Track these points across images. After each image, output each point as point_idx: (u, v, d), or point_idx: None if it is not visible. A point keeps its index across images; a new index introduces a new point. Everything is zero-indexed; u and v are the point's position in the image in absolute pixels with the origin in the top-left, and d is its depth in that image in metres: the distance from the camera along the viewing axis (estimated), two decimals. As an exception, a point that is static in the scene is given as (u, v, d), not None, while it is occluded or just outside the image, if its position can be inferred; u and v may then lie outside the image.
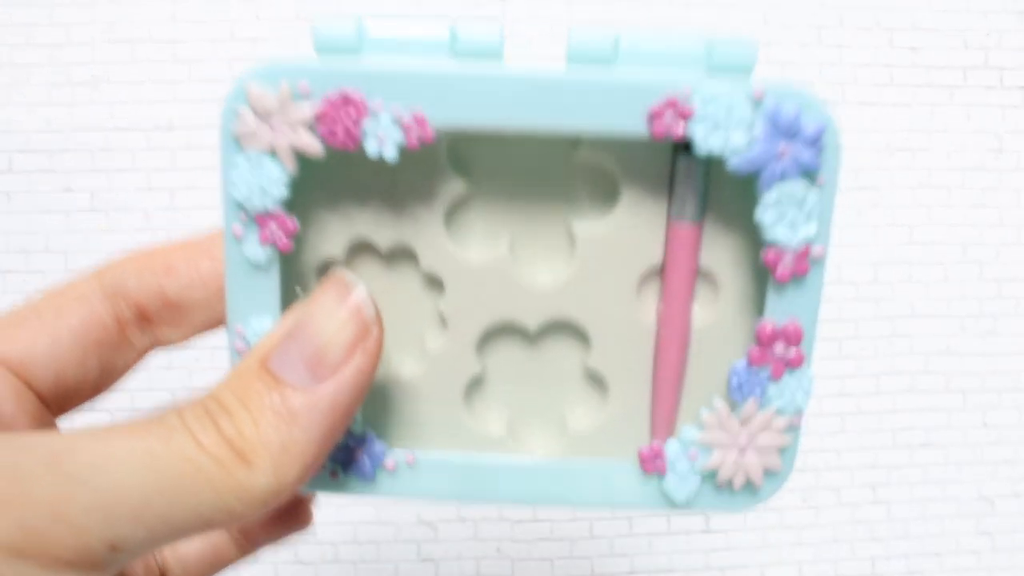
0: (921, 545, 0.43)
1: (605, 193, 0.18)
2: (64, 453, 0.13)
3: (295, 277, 0.18)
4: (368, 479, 0.17)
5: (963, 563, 0.43)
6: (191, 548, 0.20)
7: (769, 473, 0.18)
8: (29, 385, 0.17)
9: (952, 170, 0.43)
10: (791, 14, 0.42)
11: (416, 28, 0.16)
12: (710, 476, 0.18)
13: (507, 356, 0.18)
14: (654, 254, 0.17)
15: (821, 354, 0.42)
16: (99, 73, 0.41)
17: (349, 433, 0.17)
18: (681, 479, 0.17)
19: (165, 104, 0.41)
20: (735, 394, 0.17)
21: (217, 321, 0.19)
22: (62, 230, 0.41)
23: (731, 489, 0.18)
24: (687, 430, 0.17)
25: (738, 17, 0.42)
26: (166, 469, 0.14)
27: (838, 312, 0.43)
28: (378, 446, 0.17)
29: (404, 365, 0.18)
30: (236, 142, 0.16)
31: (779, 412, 0.17)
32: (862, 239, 0.43)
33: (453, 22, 0.16)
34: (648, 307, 0.18)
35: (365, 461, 0.17)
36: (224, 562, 0.21)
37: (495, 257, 0.17)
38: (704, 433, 0.17)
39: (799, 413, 0.17)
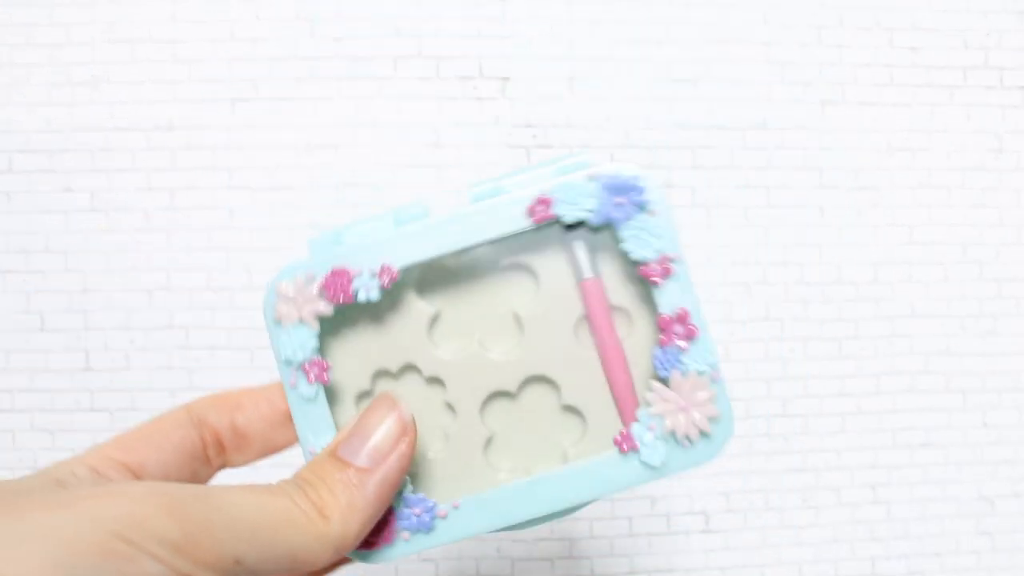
0: (921, 545, 0.43)
1: (530, 279, 0.24)
2: (209, 493, 0.19)
3: (340, 404, 0.24)
4: (428, 529, 0.23)
5: (963, 563, 0.43)
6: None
7: (713, 421, 0.22)
8: None
9: (952, 170, 0.43)
10: (791, 14, 0.42)
11: (369, 221, 0.24)
12: (671, 438, 0.22)
13: (503, 415, 0.24)
14: (577, 307, 0.24)
15: (821, 354, 0.42)
16: (99, 73, 0.41)
17: (405, 500, 0.23)
18: (651, 448, 0.22)
19: (165, 104, 0.41)
20: (661, 371, 0.22)
21: (272, 449, 0.25)
22: (62, 230, 0.41)
23: (691, 443, 0.22)
24: (641, 412, 0.23)
25: (738, 17, 0.42)
26: (272, 514, 0.20)
27: (838, 312, 0.43)
28: (429, 502, 0.23)
29: (433, 445, 0.25)
30: (277, 322, 0.23)
31: (699, 373, 0.22)
32: (862, 239, 0.43)
33: (394, 208, 0.24)
34: (587, 344, 0.24)
35: (424, 517, 0.23)
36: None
37: (472, 349, 0.24)
38: (653, 408, 0.22)
39: (715, 368, 0.22)
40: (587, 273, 0.24)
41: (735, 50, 0.42)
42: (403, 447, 0.22)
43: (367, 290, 0.23)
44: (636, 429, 0.22)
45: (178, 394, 0.41)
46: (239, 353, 0.41)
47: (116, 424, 0.41)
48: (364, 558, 0.23)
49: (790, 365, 0.43)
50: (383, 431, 0.22)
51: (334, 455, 0.22)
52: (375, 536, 0.22)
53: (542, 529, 0.41)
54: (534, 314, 0.24)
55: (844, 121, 0.43)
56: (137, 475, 0.22)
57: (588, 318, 0.24)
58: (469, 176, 0.42)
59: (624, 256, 0.23)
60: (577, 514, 0.41)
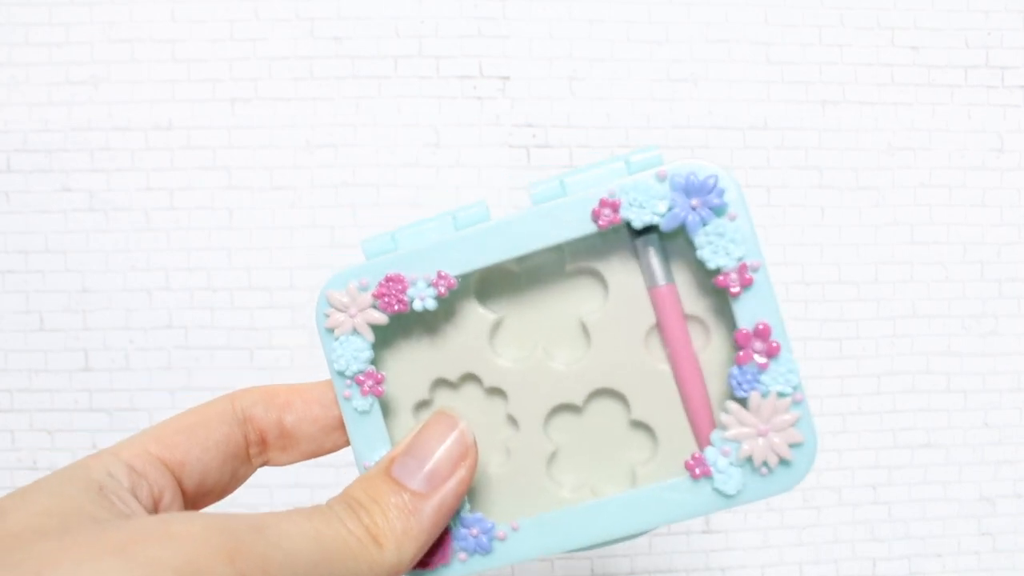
0: (922, 545, 0.43)
1: (597, 285, 0.23)
2: (265, 526, 0.18)
3: (396, 415, 0.24)
4: (487, 551, 0.22)
5: (964, 563, 0.43)
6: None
7: (795, 446, 0.20)
8: (179, 483, 0.21)
9: (953, 169, 0.43)
10: (792, 13, 0.42)
11: (426, 222, 0.22)
12: (747, 464, 0.21)
13: (568, 429, 0.23)
14: (648, 315, 0.22)
15: (822, 354, 0.42)
16: (98, 73, 0.41)
17: (463, 520, 0.22)
18: (726, 474, 0.21)
19: (164, 104, 0.41)
20: (738, 391, 0.20)
21: (319, 453, 0.24)
22: (61, 230, 0.41)
23: (770, 470, 0.21)
24: (716, 434, 0.21)
25: (738, 17, 0.42)
26: (327, 544, 0.19)
27: (839, 312, 0.43)
28: (488, 523, 0.22)
29: (493, 459, 0.23)
30: (329, 332, 0.22)
31: (780, 395, 0.20)
32: (863, 239, 0.43)
33: (453, 210, 0.22)
34: (658, 356, 0.22)
35: (482, 538, 0.22)
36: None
37: (535, 359, 0.23)
38: (729, 431, 0.21)
39: (797, 389, 0.20)
40: (660, 280, 0.22)
41: (735, 50, 0.42)
42: (463, 472, 0.21)
43: (423, 299, 0.22)
44: (710, 453, 0.21)
45: (177, 394, 0.41)
46: (239, 353, 0.41)
47: (115, 424, 0.41)
48: None
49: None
50: (442, 452, 0.21)
51: (388, 474, 0.21)
52: (430, 556, 0.22)
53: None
54: (602, 322, 0.22)
55: (844, 121, 0.43)
56: (176, 474, 0.21)
57: (660, 328, 0.22)
58: (469, 176, 0.42)
59: (699, 263, 0.21)
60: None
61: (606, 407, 0.23)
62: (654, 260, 0.22)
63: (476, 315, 0.23)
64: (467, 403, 0.23)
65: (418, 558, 0.20)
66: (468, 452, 0.21)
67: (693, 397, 0.22)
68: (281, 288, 0.41)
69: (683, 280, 0.22)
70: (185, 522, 0.17)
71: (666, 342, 0.22)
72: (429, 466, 0.21)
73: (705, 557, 0.42)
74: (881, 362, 0.43)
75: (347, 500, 0.20)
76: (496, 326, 0.23)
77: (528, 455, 0.23)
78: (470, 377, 0.23)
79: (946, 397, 0.43)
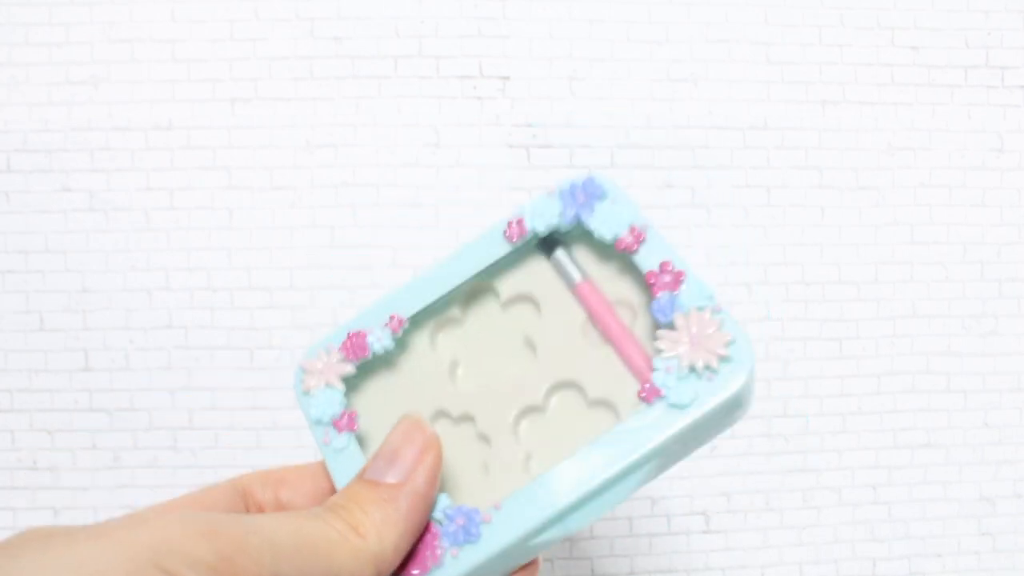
0: (922, 546, 0.43)
1: (530, 305, 0.26)
2: (244, 518, 0.19)
3: (372, 449, 0.25)
4: (475, 539, 0.22)
5: (964, 564, 0.43)
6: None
7: (729, 344, 0.22)
8: None
9: (953, 169, 0.43)
10: (792, 13, 0.42)
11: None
12: (691, 373, 0.22)
13: (536, 429, 0.24)
14: (578, 312, 0.25)
15: (822, 354, 0.42)
16: (98, 73, 0.41)
17: (447, 515, 0.22)
18: (676, 388, 0.22)
19: (164, 104, 0.41)
20: (663, 318, 0.23)
21: None
22: (61, 230, 0.41)
23: (714, 372, 0.22)
24: (656, 361, 0.22)
25: (738, 17, 0.42)
26: (309, 535, 0.20)
27: (839, 312, 0.43)
28: (469, 509, 0.22)
29: (475, 478, 0.25)
30: (306, 393, 0.25)
31: (699, 308, 0.22)
32: (863, 239, 0.43)
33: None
34: (598, 342, 0.24)
35: (468, 526, 0.22)
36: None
37: (493, 379, 0.25)
38: (666, 352, 0.22)
39: (711, 299, 0.23)
40: (576, 277, 0.25)
41: (735, 50, 0.42)
42: (429, 459, 0.22)
43: (380, 340, 0.25)
44: (657, 377, 0.22)
45: (177, 394, 0.41)
46: (239, 353, 0.41)
47: (115, 424, 0.41)
48: None
49: (791, 365, 0.42)
50: (407, 447, 0.22)
51: (362, 479, 0.22)
52: (422, 562, 0.22)
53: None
54: (542, 331, 0.25)
55: (844, 121, 0.43)
56: None
57: (591, 317, 0.24)
58: (469, 176, 0.42)
59: (609, 253, 0.24)
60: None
61: (565, 398, 0.25)
62: (566, 262, 0.25)
63: (435, 359, 0.26)
64: (442, 437, 0.24)
65: (402, 548, 0.21)
66: (431, 442, 0.22)
67: (634, 360, 0.23)
68: (281, 288, 0.41)
69: (601, 274, 0.25)
70: (162, 512, 0.18)
71: (599, 326, 0.24)
72: (398, 459, 0.22)
73: (705, 557, 0.42)
74: (881, 362, 0.43)
75: (327, 505, 0.21)
76: (453, 365, 0.26)
77: (506, 464, 0.24)
78: (440, 414, 0.25)
79: (946, 397, 0.43)
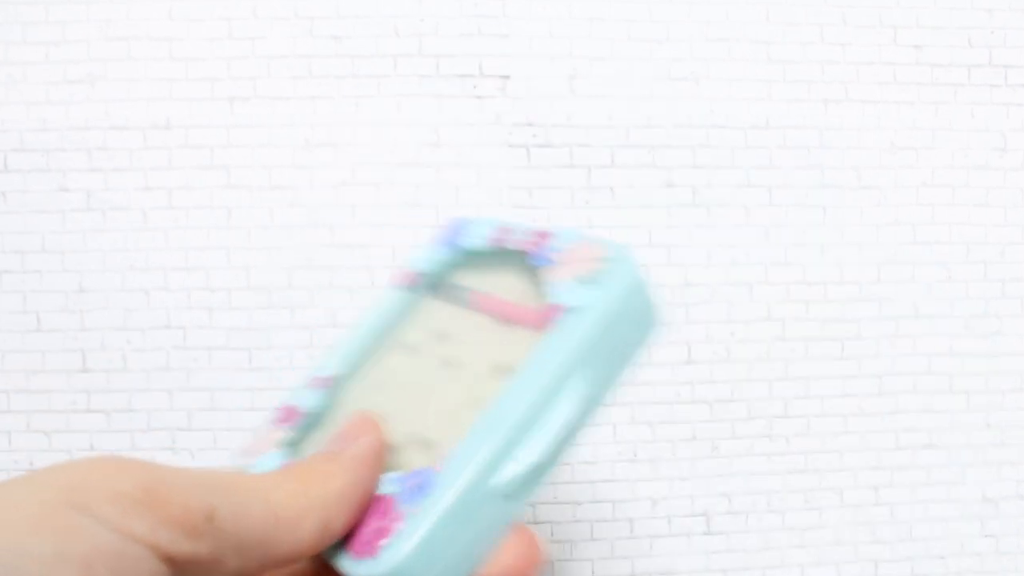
0: (924, 547, 0.43)
1: (437, 335, 0.26)
2: (172, 466, 0.17)
3: None
4: (432, 488, 0.20)
5: (967, 565, 0.43)
6: None
7: (607, 249, 0.22)
8: None
9: (956, 169, 0.43)
10: (793, 12, 0.42)
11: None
12: (579, 283, 0.22)
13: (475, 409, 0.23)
14: (483, 318, 0.25)
15: (823, 354, 0.42)
16: (95, 71, 0.40)
17: (399, 483, 0.20)
18: (570, 298, 0.22)
19: (162, 102, 0.41)
20: (541, 262, 0.23)
21: None
22: (58, 229, 0.40)
23: (599, 274, 0.22)
24: (546, 291, 0.22)
25: (739, 15, 0.42)
26: (246, 477, 0.18)
27: (840, 312, 0.42)
28: (421, 469, 0.20)
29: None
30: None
31: (569, 244, 0.23)
32: (865, 239, 0.42)
33: None
34: (508, 330, 0.24)
35: (422, 482, 0.20)
36: None
37: (423, 402, 0.24)
38: (551, 281, 0.22)
39: (580, 235, 0.23)
40: (469, 287, 0.26)
41: (736, 48, 0.42)
42: (373, 432, 0.21)
43: (307, 400, 0.25)
44: (551, 292, 0.22)
45: (176, 394, 0.40)
46: (237, 353, 0.41)
47: (113, 425, 0.40)
48: (390, 558, 0.19)
49: (792, 366, 0.42)
50: (351, 427, 0.21)
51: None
52: (384, 530, 0.20)
53: (542, 531, 0.41)
54: (457, 350, 0.24)
55: (846, 120, 0.42)
56: None
57: (493, 314, 0.25)
58: (469, 175, 0.41)
59: (493, 264, 0.25)
60: (578, 515, 0.41)
61: (493, 378, 0.23)
62: (453, 285, 0.26)
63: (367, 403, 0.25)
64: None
65: (347, 496, 0.19)
66: (374, 423, 0.21)
67: (535, 317, 0.23)
68: (280, 288, 0.41)
69: (492, 287, 0.25)
70: (95, 456, 0.17)
71: (500, 316, 0.24)
72: (341, 435, 0.21)
73: (706, 559, 0.42)
74: (883, 363, 0.42)
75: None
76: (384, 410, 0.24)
77: (449, 435, 0.22)
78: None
79: (949, 398, 0.43)
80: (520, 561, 0.20)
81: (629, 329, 0.22)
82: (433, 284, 0.27)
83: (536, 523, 0.41)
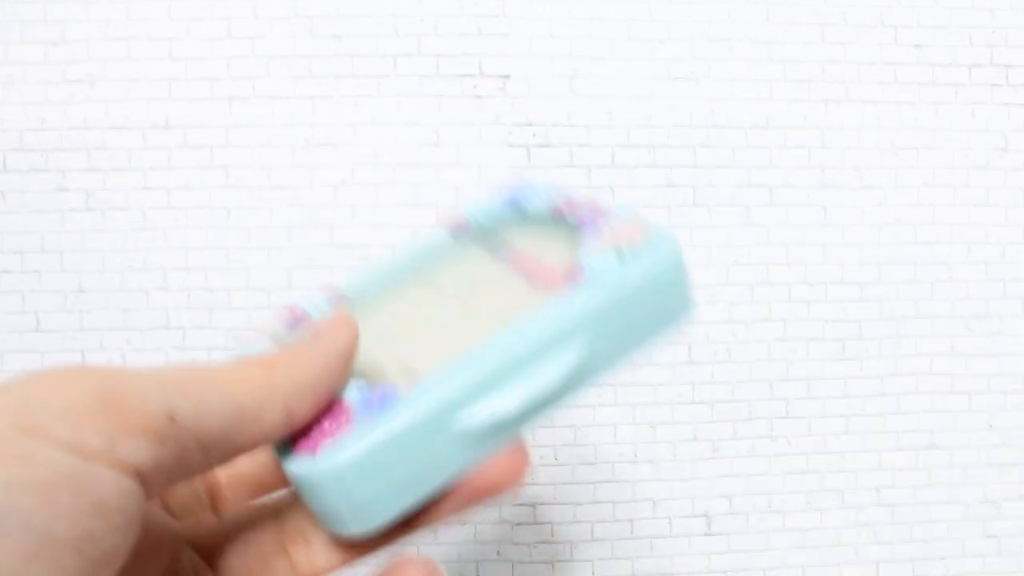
0: (926, 549, 0.42)
1: (469, 283, 0.25)
2: (123, 367, 0.16)
3: None
4: (393, 403, 0.19)
5: (969, 567, 0.43)
6: (241, 468, 0.23)
7: (651, 229, 0.22)
8: None
9: (957, 169, 0.43)
10: (794, 11, 0.42)
11: None
12: (615, 254, 0.21)
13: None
14: (516, 276, 0.24)
15: (825, 355, 0.42)
16: (95, 71, 0.40)
17: (362, 392, 0.19)
18: (600, 264, 0.21)
19: (162, 102, 0.40)
20: (588, 230, 0.22)
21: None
22: (57, 229, 0.40)
23: (637, 250, 0.21)
24: (581, 255, 0.22)
25: (740, 15, 0.42)
26: (205, 368, 0.17)
27: (842, 312, 0.42)
28: (388, 385, 0.19)
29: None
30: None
31: (619, 217, 0.23)
32: (866, 239, 0.42)
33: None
34: (536, 289, 0.23)
35: (385, 396, 0.19)
36: (269, 486, 0.23)
37: (429, 334, 0.23)
38: (589, 247, 0.22)
39: (634, 211, 0.23)
40: (510, 243, 0.25)
41: (737, 48, 0.42)
42: (349, 330, 0.20)
43: (316, 305, 0.24)
44: (582, 256, 0.21)
45: (175, 395, 0.40)
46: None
47: (112, 425, 0.40)
48: (326, 460, 0.18)
49: (793, 366, 0.42)
50: (326, 321, 0.20)
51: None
52: (327, 434, 0.18)
53: (543, 532, 0.41)
54: (480, 298, 0.23)
55: (847, 119, 0.42)
56: None
57: (526, 271, 0.24)
58: (469, 175, 0.41)
59: (547, 231, 0.24)
60: (578, 516, 0.41)
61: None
62: (499, 237, 0.26)
63: (379, 328, 0.23)
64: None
65: (315, 387, 0.18)
66: (353, 323, 0.20)
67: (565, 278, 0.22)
68: (279, 288, 0.41)
69: (539, 249, 0.24)
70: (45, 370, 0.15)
71: (533, 275, 0.23)
72: (315, 329, 0.20)
73: (707, 560, 0.42)
74: (884, 363, 0.42)
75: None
76: (396, 330, 0.23)
77: (429, 358, 0.21)
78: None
79: (950, 398, 0.43)
80: (494, 478, 0.20)
81: (649, 310, 0.21)
82: (479, 235, 0.26)
83: (536, 524, 0.41)
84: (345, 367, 0.19)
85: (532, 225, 0.25)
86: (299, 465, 0.18)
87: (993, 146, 0.43)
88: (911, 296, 0.42)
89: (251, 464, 0.23)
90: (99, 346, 0.40)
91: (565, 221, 0.24)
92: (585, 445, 0.41)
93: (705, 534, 0.42)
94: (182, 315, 0.40)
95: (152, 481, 0.15)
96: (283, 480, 0.22)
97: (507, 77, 0.41)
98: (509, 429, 0.19)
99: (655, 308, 0.21)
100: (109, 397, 0.14)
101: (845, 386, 0.42)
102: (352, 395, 0.19)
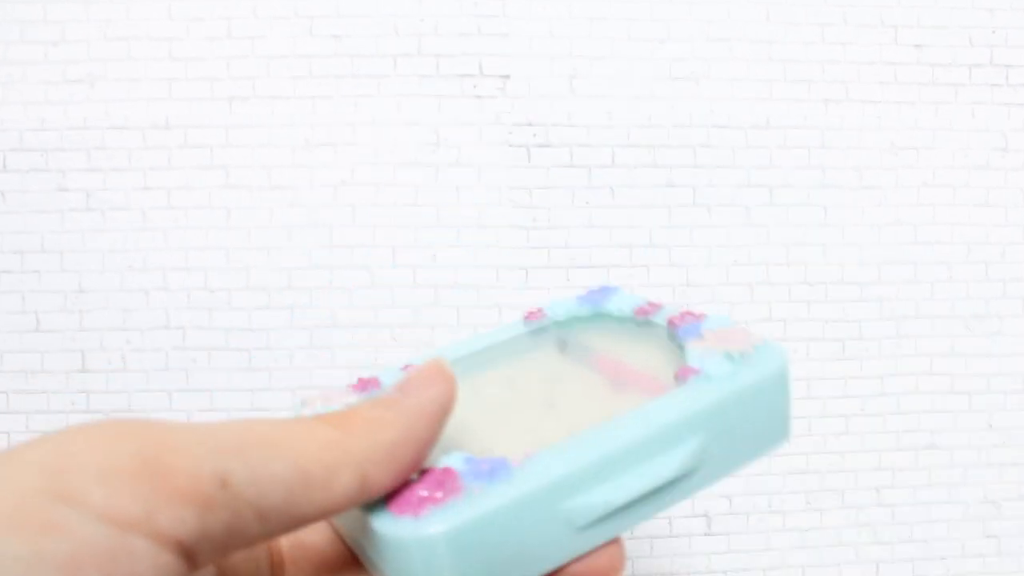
0: (926, 549, 0.42)
1: (550, 377, 0.25)
2: (171, 421, 0.14)
3: None
4: (506, 477, 0.18)
5: (969, 567, 0.43)
6: (307, 540, 0.20)
7: (758, 340, 0.22)
8: None
9: (957, 169, 0.43)
10: (794, 11, 0.42)
11: None
12: (726, 356, 0.21)
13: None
14: (599, 376, 0.24)
15: (825, 355, 0.42)
16: (94, 71, 0.40)
17: (468, 461, 0.18)
18: (711, 364, 0.21)
19: (161, 102, 0.40)
20: (689, 336, 0.23)
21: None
22: (57, 229, 0.40)
23: (749, 355, 0.21)
24: (689, 350, 0.22)
25: (740, 15, 0.42)
26: (266, 427, 0.15)
27: (842, 312, 0.42)
28: (497, 458, 0.18)
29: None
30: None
31: (721, 326, 0.23)
32: (866, 239, 0.42)
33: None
34: (621, 392, 0.23)
35: (496, 468, 0.18)
36: (333, 565, 0.21)
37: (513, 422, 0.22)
38: (698, 347, 0.22)
39: (733, 322, 0.23)
40: (594, 347, 0.25)
41: (737, 48, 0.42)
42: (444, 385, 0.18)
43: (389, 379, 0.24)
44: (690, 357, 0.21)
45: (175, 395, 0.40)
46: (237, 354, 0.41)
47: (112, 426, 0.40)
48: (432, 523, 0.16)
49: (793, 366, 0.42)
50: (419, 373, 0.18)
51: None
52: (433, 500, 0.17)
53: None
54: (562, 393, 0.23)
55: (847, 119, 0.42)
56: None
57: (613, 374, 0.24)
58: (469, 175, 0.41)
59: (622, 332, 0.25)
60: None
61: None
62: (582, 339, 0.26)
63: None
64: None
65: (396, 453, 0.16)
66: (447, 375, 0.18)
67: (659, 387, 0.23)
68: (279, 288, 0.41)
69: (619, 350, 0.25)
70: (86, 424, 0.14)
71: (621, 376, 0.23)
72: (405, 382, 0.18)
73: (707, 560, 0.42)
74: (884, 363, 0.42)
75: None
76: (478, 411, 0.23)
77: (537, 430, 0.21)
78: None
79: (950, 398, 0.43)
80: (591, 568, 0.18)
81: (757, 419, 0.21)
82: (561, 335, 0.26)
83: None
84: (437, 426, 0.17)
85: (614, 329, 0.26)
86: (398, 526, 0.17)
87: (993, 146, 0.43)
88: (911, 296, 0.42)
89: (317, 538, 0.20)
90: (99, 346, 0.40)
91: (650, 325, 0.25)
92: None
93: (705, 534, 0.42)
94: (182, 315, 0.40)
95: (200, 552, 0.13)
96: (350, 560, 0.20)
97: (507, 77, 0.41)
98: (615, 521, 0.19)
99: (762, 418, 0.21)
100: (153, 458, 0.13)
101: (845, 386, 0.42)
102: (456, 464, 0.18)
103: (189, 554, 0.13)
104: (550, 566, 0.18)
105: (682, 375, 0.21)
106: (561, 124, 0.41)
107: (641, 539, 0.42)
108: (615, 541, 0.19)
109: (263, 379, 0.40)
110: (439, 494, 0.17)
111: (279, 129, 0.41)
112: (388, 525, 0.17)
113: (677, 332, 0.23)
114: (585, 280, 0.41)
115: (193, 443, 0.13)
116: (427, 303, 0.41)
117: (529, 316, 0.27)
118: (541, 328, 0.26)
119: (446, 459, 0.18)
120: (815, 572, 0.42)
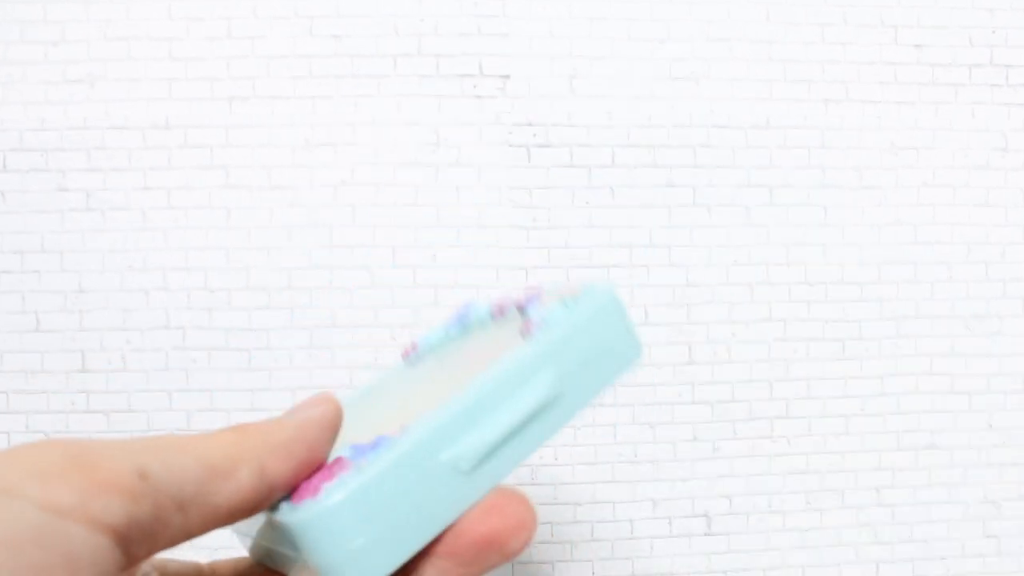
0: (926, 549, 0.42)
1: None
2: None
3: None
4: (386, 446, 0.20)
5: (969, 567, 0.43)
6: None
7: (589, 283, 0.25)
8: None
9: (957, 169, 0.43)
10: (794, 11, 0.42)
11: None
12: (560, 304, 0.23)
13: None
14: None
15: (825, 355, 0.42)
16: (94, 71, 0.40)
17: (353, 449, 0.20)
18: (547, 313, 0.23)
19: (161, 102, 0.40)
20: (530, 305, 0.26)
21: None
22: (57, 229, 0.40)
23: (578, 297, 0.24)
24: (528, 312, 0.25)
25: (740, 15, 0.42)
26: (178, 436, 0.17)
27: (842, 313, 0.42)
28: (380, 435, 0.20)
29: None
30: None
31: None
32: (866, 239, 0.42)
33: None
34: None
35: (377, 443, 0.20)
36: None
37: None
38: (536, 309, 0.24)
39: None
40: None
41: (737, 48, 0.42)
42: (327, 405, 0.20)
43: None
44: (532, 315, 0.24)
45: (175, 395, 0.40)
46: (237, 354, 0.41)
47: (113, 426, 0.40)
48: (327, 497, 0.18)
49: (793, 366, 0.42)
50: (306, 399, 0.21)
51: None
52: (326, 478, 0.19)
53: (543, 532, 0.41)
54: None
55: (847, 119, 0.42)
56: None
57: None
58: (469, 175, 0.41)
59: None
60: (578, 516, 0.41)
61: None
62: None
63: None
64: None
65: (292, 451, 0.19)
66: (332, 399, 0.20)
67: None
68: (279, 288, 0.41)
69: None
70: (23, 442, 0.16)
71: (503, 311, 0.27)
72: (291, 408, 0.20)
73: (707, 560, 0.42)
74: (884, 363, 0.42)
75: None
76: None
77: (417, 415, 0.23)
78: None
79: (950, 399, 0.43)
80: (497, 526, 0.20)
81: (600, 347, 0.23)
82: (429, 358, 0.28)
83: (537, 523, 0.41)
84: (325, 435, 0.20)
85: (478, 332, 0.28)
86: (300, 510, 0.18)
87: (993, 146, 0.43)
88: (911, 296, 0.42)
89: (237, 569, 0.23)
90: (99, 346, 0.40)
91: (505, 314, 0.27)
92: (585, 445, 0.41)
93: (705, 534, 0.42)
94: (182, 315, 0.40)
95: (131, 540, 0.15)
96: None
97: (507, 77, 0.41)
98: (499, 460, 0.21)
99: (605, 345, 0.23)
100: (81, 459, 0.15)
101: (845, 386, 0.42)
102: (344, 452, 0.20)
103: (122, 541, 0.15)
104: (453, 514, 0.20)
105: (525, 329, 0.23)
106: (561, 124, 0.41)
107: (641, 539, 0.42)
108: (521, 501, 0.21)
109: (263, 379, 0.41)
110: (332, 475, 0.19)
111: (279, 129, 0.41)
112: (292, 513, 0.18)
113: (525, 308, 0.25)
114: (585, 280, 0.41)
115: (113, 447, 0.16)
116: (427, 303, 0.41)
117: (404, 353, 0.29)
118: (417, 359, 0.29)
119: (335, 454, 0.20)
120: (815, 572, 0.42)
